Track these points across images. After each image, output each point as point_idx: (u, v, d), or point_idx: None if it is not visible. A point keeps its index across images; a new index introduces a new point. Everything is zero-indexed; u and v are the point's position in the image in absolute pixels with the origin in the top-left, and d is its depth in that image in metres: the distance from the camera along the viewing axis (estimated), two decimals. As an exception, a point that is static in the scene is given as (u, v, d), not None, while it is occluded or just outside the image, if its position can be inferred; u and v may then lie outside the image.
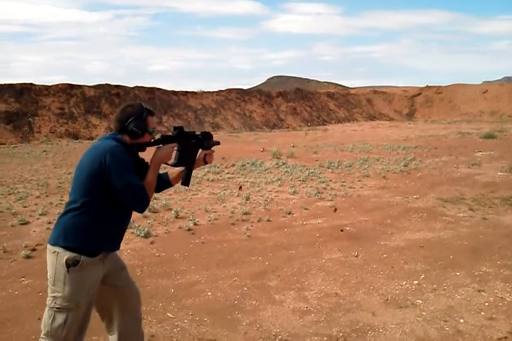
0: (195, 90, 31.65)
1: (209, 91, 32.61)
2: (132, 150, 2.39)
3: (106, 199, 2.30)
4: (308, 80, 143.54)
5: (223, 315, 3.76)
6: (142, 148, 2.43)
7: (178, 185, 2.64)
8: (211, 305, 3.95)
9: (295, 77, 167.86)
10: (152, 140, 2.43)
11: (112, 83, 27.59)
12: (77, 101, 24.87)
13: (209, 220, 6.42)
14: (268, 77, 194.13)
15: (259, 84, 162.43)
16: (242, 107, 32.28)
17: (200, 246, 5.42)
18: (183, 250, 5.27)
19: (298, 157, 13.42)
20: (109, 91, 26.55)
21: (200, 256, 5.09)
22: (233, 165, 11.87)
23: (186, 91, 30.83)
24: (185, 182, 2.57)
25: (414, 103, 43.52)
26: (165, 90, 29.90)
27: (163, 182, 2.56)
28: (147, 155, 2.49)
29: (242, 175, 10.55)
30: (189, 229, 6.00)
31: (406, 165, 11.36)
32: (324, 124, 33.26)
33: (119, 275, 2.53)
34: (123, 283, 2.55)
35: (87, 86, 26.31)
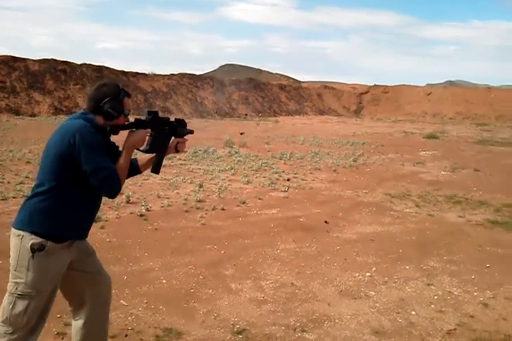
0: (146, 72, 30.87)
1: (160, 75, 31.91)
2: (105, 132, 2.25)
3: (75, 183, 2.18)
4: (260, 71, 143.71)
5: (179, 304, 3.68)
6: (116, 130, 2.29)
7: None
8: (166, 293, 3.86)
9: (247, 67, 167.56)
10: (126, 123, 2.31)
11: (58, 58, 26.36)
12: (20, 76, 23.57)
13: (162, 206, 6.27)
14: (220, 65, 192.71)
15: (210, 70, 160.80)
16: (194, 93, 31.85)
17: (153, 233, 5.28)
18: (135, 236, 5.12)
19: (250, 147, 13.41)
20: (54, 67, 25.37)
21: (154, 243, 4.96)
22: (185, 152, 11.65)
23: (137, 73, 30.02)
24: (156, 169, 2.47)
25: (362, 100, 44.65)
26: (114, 70, 28.98)
27: (133, 169, 2.43)
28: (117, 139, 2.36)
29: (195, 161, 10.41)
30: (141, 215, 5.84)
31: (355, 161, 11.63)
32: (275, 116, 33.45)
33: (87, 261, 2.42)
34: (92, 269, 2.44)
35: (32, 60, 25.01)
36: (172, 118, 2.48)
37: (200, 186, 7.53)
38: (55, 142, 2.16)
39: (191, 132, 2.55)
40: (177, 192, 7.14)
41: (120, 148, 2.33)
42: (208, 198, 6.92)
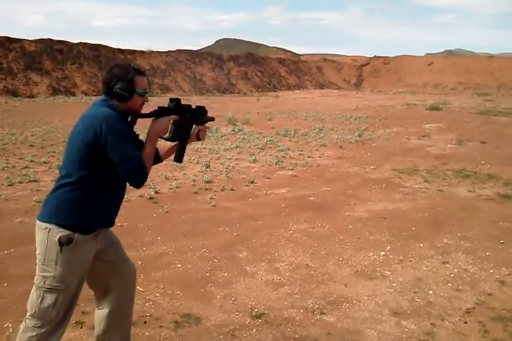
0: (144, 49, 30.35)
1: (158, 52, 31.39)
2: (127, 119, 2.20)
3: (102, 173, 2.13)
4: (257, 45, 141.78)
5: (196, 288, 3.67)
6: (137, 117, 2.24)
7: None
8: (182, 277, 3.84)
9: (244, 41, 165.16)
10: (144, 102, 2.25)
11: (54, 38, 25.86)
12: (16, 56, 23.19)
13: (170, 188, 6.22)
14: (217, 39, 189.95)
15: (207, 46, 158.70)
16: (193, 70, 31.39)
17: (165, 216, 5.25)
18: (146, 220, 5.08)
19: (253, 124, 13.27)
20: (51, 47, 24.92)
21: (165, 226, 4.93)
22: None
23: (134, 50, 29.54)
24: (179, 158, 2.43)
25: (362, 73, 44.10)
26: (111, 48, 28.48)
27: (155, 158, 2.37)
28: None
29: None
30: (151, 198, 5.79)
31: (360, 136, 11.52)
32: (275, 90, 33.08)
33: (111, 251, 2.39)
34: (116, 259, 2.41)
35: (28, 40, 24.56)
36: (193, 106, 2.42)
37: (207, 166, 7.46)
38: (81, 131, 2.10)
39: (212, 119, 2.51)
40: (184, 173, 7.07)
41: (140, 137, 2.28)
42: (216, 178, 6.86)
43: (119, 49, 28.85)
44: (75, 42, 26.72)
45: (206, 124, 2.47)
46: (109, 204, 2.27)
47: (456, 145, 10.68)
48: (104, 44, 28.18)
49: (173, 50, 32.51)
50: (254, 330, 3.11)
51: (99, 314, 2.48)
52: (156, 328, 3.11)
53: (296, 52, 70.31)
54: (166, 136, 2.30)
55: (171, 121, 2.29)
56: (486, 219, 5.48)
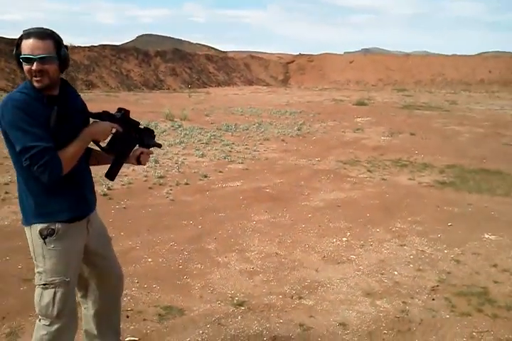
0: (65, 44, 28.92)
1: (80, 46, 30.02)
2: (42, 97, 1.90)
3: None
4: (180, 41, 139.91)
5: (172, 281, 3.63)
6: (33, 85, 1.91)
7: None
8: (155, 271, 3.79)
9: (166, 37, 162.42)
10: (36, 71, 1.86)
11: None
12: None
13: (123, 184, 6.05)
14: (138, 35, 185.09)
15: (128, 41, 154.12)
16: (118, 65, 30.38)
17: (123, 212, 5.11)
18: (105, 216, 4.82)
19: (192, 119, 13.15)
20: (-40, 40, 23.06)
21: (127, 222, 4.81)
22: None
23: (55, 45, 28.02)
24: (111, 174, 2.21)
25: (289, 70, 44.96)
26: (29, 42, 26.82)
27: (91, 159, 2.22)
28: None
29: (139, 136, 10.06)
30: (105, 195, 5.60)
31: (299, 129, 11.81)
32: (205, 87, 32.87)
33: (101, 245, 2.31)
34: (105, 254, 2.33)
35: None
36: (142, 126, 2.25)
37: (156, 161, 7.33)
38: None
39: (159, 145, 2.35)
40: (133, 169, 6.88)
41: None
42: (168, 174, 6.76)
43: (38, 43, 27.27)
44: (-11, 35, 24.93)
45: (151, 149, 2.28)
46: (77, 188, 2.08)
47: (389, 137, 11.27)
48: (21, 37, 26.52)
49: (96, 45, 31.27)
50: (239, 317, 3.15)
51: (86, 314, 2.42)
52: (140, 321, 3.06)
53: (221, 50, 70.28)
54: (103, 145, 2.13)
55: (113, 131, 2.10)
56: (430, 204, 5.87)
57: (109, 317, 2.46)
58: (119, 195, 5.65)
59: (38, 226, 2.00)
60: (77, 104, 2.11)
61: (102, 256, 2.32)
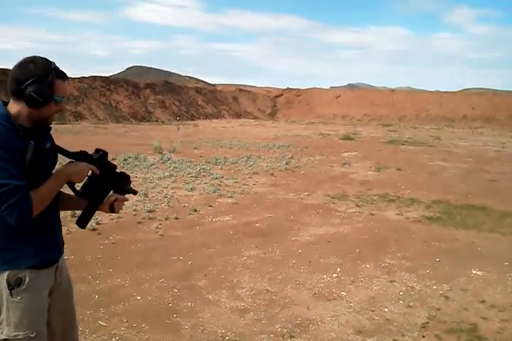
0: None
1: (70, 77, 30.34)
2: (18, 131, 1.74)
3: None
4: (169, 73, 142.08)
5: (161, 320, 3.58)
6: (44, 124, 1.84)
7: None
8: (144, 309, 3.74)
9: (156, 69, 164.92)
10: (58, 111, 1.84)
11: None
12: None
13: (112, 219, 6.02)
14: (127, 67, 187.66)
15: (118, 72, 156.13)
16: (108, 97, 30.71)
17: (112, 247, 5.07)
18: (94, 252, 4.88)
19: (180, 152, 13.24)
20: (-49, 71, 23.19)
21: (115, 258, 4.76)
22: (114, 159, 11.25)
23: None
24: (83, 221, 2.04)
25: (277, 103, 45.78)
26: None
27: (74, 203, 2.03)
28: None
29: (127, 169, 10.05)
30: (93, 229, 5.56)
31: (288, 163, 11.93)
32: (193, 120, 33.23)
33: (65, 303, 2.07)
34: (66, 302, 2.08)
35: None
36: (118, 170, 2.08)
37: (146, 195, 7.32)
38: None
39: (135, 192, 2.17)
40: (122, 203, 6.87)
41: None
42: (157, 207, 6.75)
43: (28, 74, 27.54)
44: (-20, 66, 25.13)
45: (126, 196, 2.09)
46: (46, 232, 1.89)
47: (376, 172, 11.42)
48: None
49: (87, 76, 31.66)
50: (230, 358, 3.11)
51: None
52: (129, 363, 3.00)
53: (209, 82, 71.42)
54: (77, 187, 1.94)
55: (89, 173, 1.93)
56: (418, 239, 5.92)
57: None
58: (107, 229, 5.61)
59: (5, 274, 1.80)
60: (49, 138, 1.94)
61: (59, 323, 2.05)
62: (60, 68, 1.82)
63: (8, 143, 1.68)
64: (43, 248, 1.86)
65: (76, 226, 2.08)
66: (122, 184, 2.08)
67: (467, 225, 6.65)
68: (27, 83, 1.71)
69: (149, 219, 6.17)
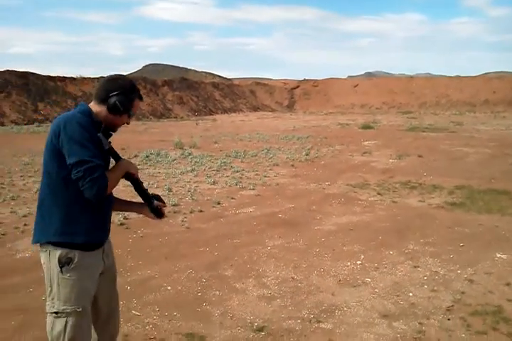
0: (74, 76, 29.67)
1: (89, 78, 30.77)
2: (100, 126, 2.11)
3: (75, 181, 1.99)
4: (186, 69, 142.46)
5: (192, 308, 3.71)
6: (109, 131, 2.18)
7: None
8: (175, 299, 3.87)
9: (172, 66, 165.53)
10: (124, 124, 2.20)
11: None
12: None
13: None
14: (144, 65, 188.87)
15: (134, 71, 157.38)
16: (127, 95, 31.02)
17: (141, 241, 5.23)
18: (123, 245, 5.03)
19: (201, 147, 13.38)
20: (-26, 75, 23.78)
21: (145, 251, 4.92)
22: (136, 156, 11.47)
23: (64, 77, 28.77)
24: (159, 213, 2.34)
25: (294, 95, 45.62)
26: (40, 75, 27.56)
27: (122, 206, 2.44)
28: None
29: (150, 165, 10.26)
30: (121, 224, 5.73)
31: (308, 154, 11.97)
32: (211, 114, 33.40)
33: (108, 286, 2.34)
34: (104, 308, 2.33)
35: None
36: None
37: (169, 190, 7.48)
38: (48, 138, 2.05)
39: (164, 203, 2.43)
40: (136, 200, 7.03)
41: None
42: (181, 201, 6.90)
43: (48, 76, 28.01)
44: (1, 69, 25.70)
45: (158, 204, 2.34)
46: (102, 214, 2.17)
47: (397, 159, 11.38)
48: (32, 71, 27.30)
49: (105, 75, 32.03)
50: (260, 343, 3.21)
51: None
52: (164, 349, 3.13)
53: (226, 77, 71.48)
54: (135, 176, 2.24)
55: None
56: (442, 225, 5.93)
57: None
58: (135, 224, 5.78)
59: (57, 253, 2.04)
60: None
61: (106, 300, 2.34)
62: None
63: (92, 132, 2.03)
64: (93, 229, 2.12)
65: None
66: (155, 194, 2.38)
67: (490, 210, 6.63)
68: (115, 93, 2.10)
69: (174, 212, 6.32)
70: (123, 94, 2.11)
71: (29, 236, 5.31)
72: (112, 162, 2.23)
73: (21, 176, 8.87)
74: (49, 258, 2.07)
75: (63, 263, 2.04)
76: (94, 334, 2.33)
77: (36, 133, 18.11)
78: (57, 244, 2.05)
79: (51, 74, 28.36)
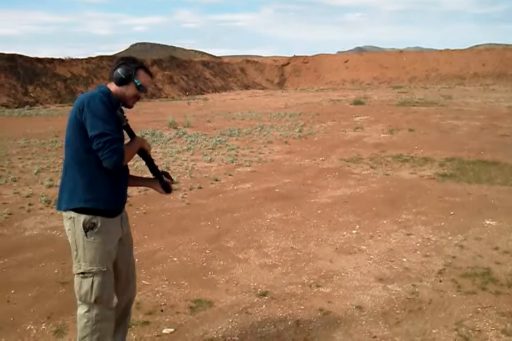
0: (63, 57, 29.30)
1: (78, 59, 30.40)
2: (118, 105, 2.32)
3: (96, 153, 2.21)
4: (174, 48, 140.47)
5: (198, 277, 3.92)
6: (128, 106, 2.40)
7: None
8: (182, 269, 4.07)
9: (160, 44, 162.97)
10: (138, 97, 2.39)
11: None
12: None
13: (140, 191, 6.35)
14: (131, 44, 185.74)
15: (122, 51, 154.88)
16: (116, 76, 30.73)
17: (145, 217, 5.41)
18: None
19: (195, 126, 13.47)
20: (-39, 58, 23.43)
21: (149, 226, 5.11)
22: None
23: (53, 59, 28.39)
24: (168, 188, 2.61)
25: (284, 72, 45.33)
26: (28, 57, 27.18)
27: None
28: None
29: (146, 145, 10.35)
30: (124, 201, 5.90)
31: (301, 131, 12.12)
32: (202, 93, 33.23)
33: (121, 262, 2.51)
34: (119, 277, 2.50)
35: None
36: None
37: (168, 168, 7.63)
38: (71, 113, 2.25)
39: (172, 179, 2.70)
40: (147, 176, 7.18)
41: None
42: (180, 179, 7.06)
43: (36, 58, 27.63)
44: (-13, 53, 25.32)
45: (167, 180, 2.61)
46: (120, 184, 2.37)
47: (389, 134, 11.57)
48: (20, 54, 26.93)
49: (94, 56, 31.65)
50: (264, 306, 3.43)
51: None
52: (174, 314, 3.34)
53: (214, 55, 70.70)
54: (149, 152, 2.49)
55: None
56: (433, 195, 6.16)
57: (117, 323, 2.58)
58: (137, 201, 5.95)
59: (81, 218, 2.23)
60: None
61: (125, 263, 2.54)
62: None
63: (112, 110, 2.25)
64: (114, 197, 2.33)
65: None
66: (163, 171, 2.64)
67: (480, 180, 6.87)
68: (117, 65, 2.32)
69: (174, 190, 6.38)
70: (123, 64, 2.32)
71: (35, 215, 5.51)
72: (128, 138, 2.40)
73: (19, 158, 8.96)
74: (74, 224, 2.26)
75: (87, 228, 2.24)
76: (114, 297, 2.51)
77: (28, 116, 18.06)
78: (81, 211, 2.25)
79: (39, 56, 28.01)
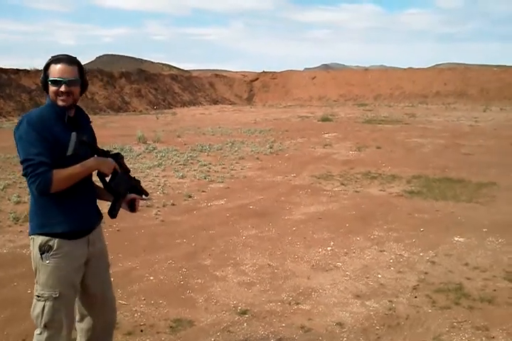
0: (28, 68, 28.71)
1: (40, 70, 29.88)
2: (64, 114, 2.18)
3: None
4: (141, 61, 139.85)
5: (176, 296, 3.89)
6: (57, 104, 2.19)
7: None
8: (159, 288, 4.04)
9: (128, 57, 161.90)
10: (62, 92, 2.15)
11: None
12: None
13: (112, 207, 6.25)
14: (97, 55, 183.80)
15: (88, 62, 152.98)
16: (83, 89, 30.29)
17: (118, 234, 5.33)
18: (101, 239, 5.12)
19: (165, 141, 13.40)
20: None
21: (123, 244, 5.03)
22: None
23: (18, 69, 27.77)
24: (113, 211, 2.40)
25: (253, 88, 45.75)
26: (-10, 68, 26.55)
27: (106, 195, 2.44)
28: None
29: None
30: (96, 218, 5.80)
31: (271, 147, 12.24)
32: (170, 108, 33.11)
33: (96, 279, 2.43)
34: (96, 290, 2.43)
35: None
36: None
37: (139, 184, 7.55)
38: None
39: (147, 194, 2.57)
40: (118, 193, 7.11)
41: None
42: (152, 195, 6.99)
43: (0, 68, 27.00)
44: (-51, 62, 24.56)
45: (143, 197, 2.51)
46: (77, 204, 2.24)
47: (357, 151, 11.82)
48: (-18, 64, 26.23)
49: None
50: (245, 324, 3.44)
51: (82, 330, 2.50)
52: (155, 334, 3.31)
53: (183, 69, 70.73)
54: (107, 177, 2.30)
55: (114, 168, 2.30)
56: (402, 212, 6.33)
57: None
58: (108, 218, 5.84)
59: (39, 240, 2.18)
60: (89, 130, 2.36)
61: (99, 286, 2.45)
62: (59, 55, 2.24)
63: (44, 127, 2.10)
64: (72, 218, 2.21)
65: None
66: (139, 187, 2.48)
67: (446, 197, 7.10)
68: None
69: (147, 206, 6.42)
70: (43, 72, 2.21)
71: (3, 233, 5.38)
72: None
73: (-16, 173, 8.69)
74: (33, 246, 2.22)
75: (43, 251, 2.17)
76: (90, 319, 2.47)
77: (-10, 128, 17.55)
78: (39, 234, 2.20)
79: (3, 67, 27.34)
